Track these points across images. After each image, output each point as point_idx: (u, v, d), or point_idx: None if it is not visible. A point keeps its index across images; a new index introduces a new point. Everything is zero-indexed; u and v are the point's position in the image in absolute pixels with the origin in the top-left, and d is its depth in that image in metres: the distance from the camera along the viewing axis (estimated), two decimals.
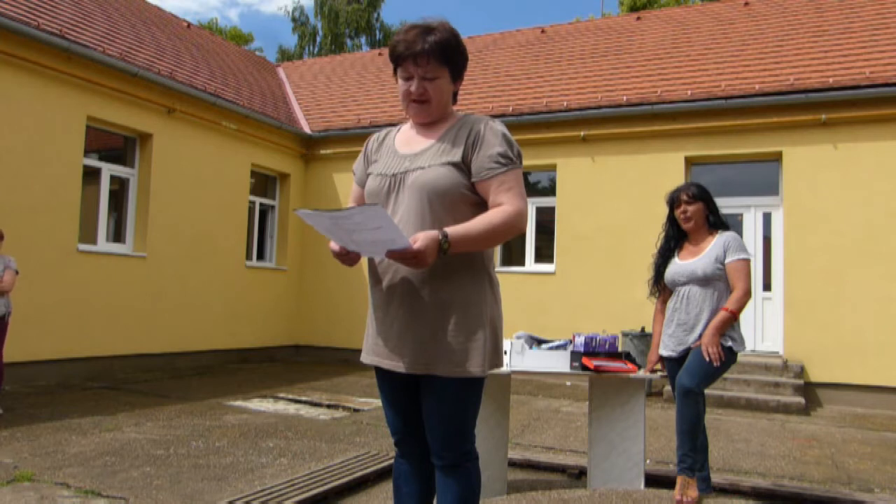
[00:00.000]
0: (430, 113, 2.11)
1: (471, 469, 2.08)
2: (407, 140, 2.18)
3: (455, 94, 2.18)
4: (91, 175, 8.47)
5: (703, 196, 3.75)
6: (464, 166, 2.03)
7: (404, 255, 1.82)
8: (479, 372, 2.01)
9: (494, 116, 9.86)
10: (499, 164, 2.01)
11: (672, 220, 3.90)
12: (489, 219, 1.95)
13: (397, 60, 2.07)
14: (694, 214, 3.73)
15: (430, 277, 1.99)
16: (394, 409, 2.20)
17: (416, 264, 1.85)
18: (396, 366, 2.05)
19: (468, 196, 2.03)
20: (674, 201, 3.84)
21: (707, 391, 3.68)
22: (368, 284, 2.19)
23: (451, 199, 2.00)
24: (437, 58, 2.02)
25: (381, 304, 2.09)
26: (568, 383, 8.93)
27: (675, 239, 3.90)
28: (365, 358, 2.17)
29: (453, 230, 1.89)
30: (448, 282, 2.00)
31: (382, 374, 2.17)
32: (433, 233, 1.86)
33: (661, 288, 3.92)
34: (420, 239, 1.83)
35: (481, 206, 2.04)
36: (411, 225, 1.98)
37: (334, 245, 2.01)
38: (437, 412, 2.04)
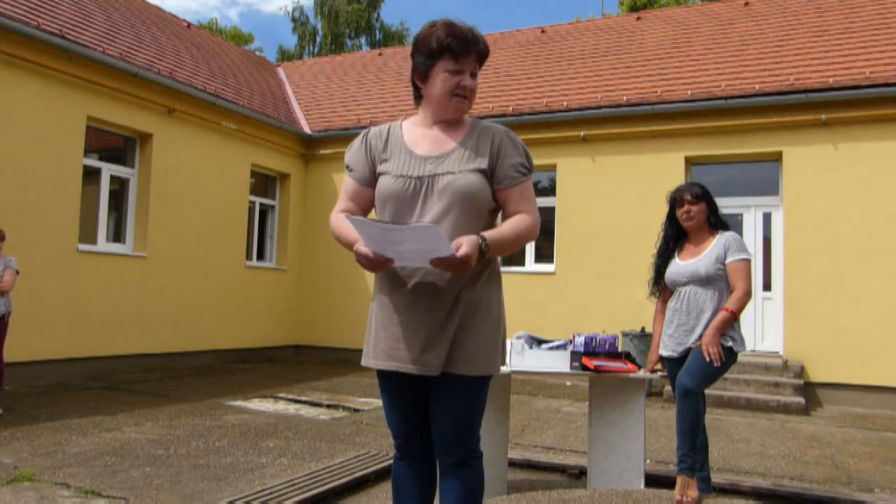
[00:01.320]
0: (468, 109, 2.16)
1: (476, 467, 2.10)
2: (419, 140, 2.14)
3: None
4: (91, 175, 8.47)
5: (705, 196, 3.75)
6: (489, 174, 2.09)
7: (451, 262, 1.85)
8: (495, 370, 2.08)
9: (494, 116, 9.88)
10: (520, 173, 2.10)
11: (672, 220, 3.89)
12: (517, 225, 2.05)
13: (453, 54, 2.06)
14: (696, 214, 3.73)
15: (454, 279, 2.01)
16: (398, 412, 2.17)
17: (460, 269, 1.89)
18: (423, 369, 2.01)
19: (490, 203, 2.09)
20: (675, 201, 3.83)
21: (707, 391, 3.68)
22: (380, 289, 2.13)
23: (477, 205, 2.05)
24: (481, 59, 2.14)
25: (404, 309, 2.04)
26: (568, 383, 8.92)
27: (675, 239, 3.89)
28: (375, 363, 2.10)
29: (490, 235, 1.96)
30: (471, 283, 2.04)
31: (388, 377, 2.13)
32: (474, 238, 1.91)
33: (661, 288, 3.92)
34: (465, 244, 1.87)
35: (496, 212, 2.14)
36: (443, 228, 1.98)
37: (365, 249, 1.93)
38: (452, 411, 2.05)
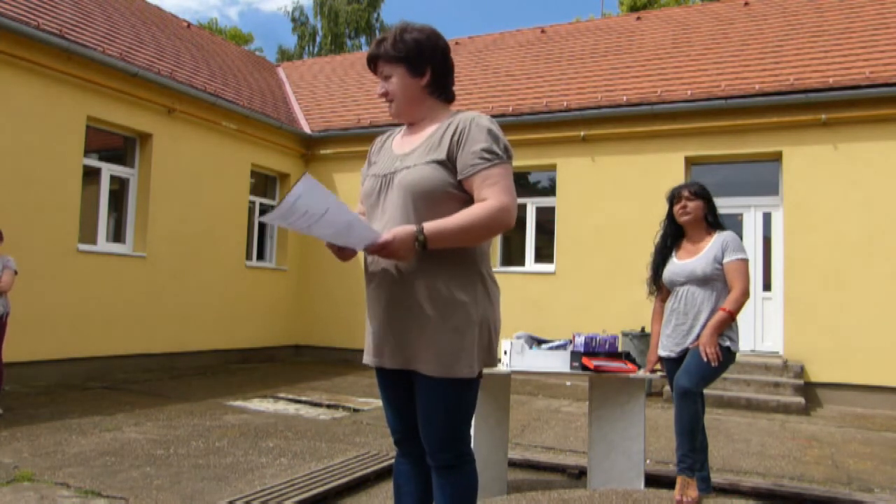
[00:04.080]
0: (399, 111, 2.18)
1: (466, 471, 2.07)
2: (402, 141, 2.22)
3: (444, 91, 2.18)
4: (91, 175, 8.47)
5: (703, 195, 3.76)
6: (449, 164, 2.03)
7: (377, 248, 1.88)
8: (467, 373, 1.99)
9: (494, 116, 9.86)
10: (483, 159, 1.99)
11: (671, 218, 3.90)
12: (469, 213, 1.95)
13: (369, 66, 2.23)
14: (693, 210, 3.73)
15: (419, 277, 2.00)
16: (393, 409, 2.21)
17: (390, 255, 1.90)
18: (388, 363, 2.09)
19: (455, 194, 2.03)
20: (674, 197, 3.84)
21: (707, 391, 3.68)
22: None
23: (436, 198, 2.00)
24: (384, 57, 2.14)
25: (372, 304, 2.12)
26: (568, 383, 8.92)
27: (673, 237, 3.89)
28: (366, 360, 2.19)
29: (430, 224, 1.91)
30: (436, 281, 2.00)
31: (381, 374, 2.19)
32: (408, 226, 1.90)
33: (660, 286, 3.92)
34: (392, 231, 1.89)
35: (471, 203, 2.03)
36: (397, 223, 1.99)
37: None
38: (429, 413, 2.04)
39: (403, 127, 2.30)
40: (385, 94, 2.16)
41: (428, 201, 2.00)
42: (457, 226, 1.92)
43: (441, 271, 2.00)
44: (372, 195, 2.14)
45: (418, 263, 1.98)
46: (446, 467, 2.06)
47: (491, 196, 1.96)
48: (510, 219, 1.98)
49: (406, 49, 2.11)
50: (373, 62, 2.17)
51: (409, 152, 2.13)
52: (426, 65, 2.12)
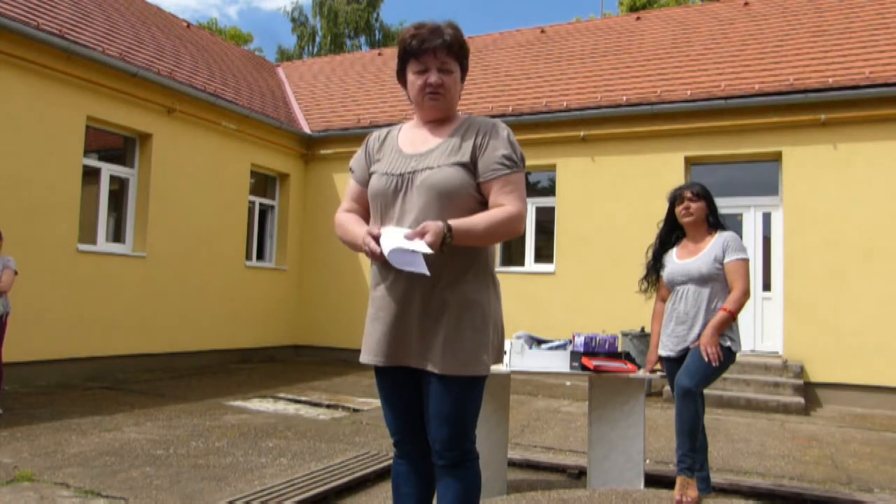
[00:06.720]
0: (444, 107, 2.15)
1: (471, 468, 2.09)
2: (412, 140, 2.20)
3: (459, 95, 2.23)
4: (91, 175, 8.47)
5: (705, 195, 3.78)
6: (472, 167, 2.07)
7: (416, 234, 1.89)
8: (483, 371, 2.04)
9: (494, 116, 9.85)
10: (503, 165, 2.06)
11: (670, 219, 3.90)
12: (490, 216, 2.00)
13: (413, 54, 2.11)
14: (696, 212, 3.74)
15: (437, 278, 2.00)
16: (394, 410, 2.20)
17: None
18: (397, 362, 2.08)
19: (476, 196, 2.07)
20: (676, 198, 3.84)
21: (707, 391, 3.68)
22: (371, 286, 2.19)
23: (460, 199, 2.04)
24: (452, 51, 2.11)
25: (386, 303, 2.09)
26: (568, 383, 8.92)
27: (669, 242, 3.92)
28: (368, 359, 2.15)
29: (456, 223, 1.94)
30: (454, 282, 2.03)
31: (383, 375, 2.18)
32: (439, 223, 1.91)
33: (654, 282, 3.93)
34: (429, 223, 1.90)
35: (486, 206, 2.08)
36: (421, 223, 1.99)
37: (372, 243, 1.98)
38: (441, 411, 2.04)
39: (403, 125, 2.29)
40: (440, 86, 2.11)
41: (452, 202, 2.02)
42: (481, 226, 1.98)
43: (460, 271, 2.04)
44: (386, 194, 2.11)
45: (438, 263, 1.98)
46: (453, 465, 2.06)
47: (508, 202, 2.03)
48: (522, 227, 2.07)
49: (466, 53, 2.18)
50: (442, 49, 2.08)
51: (424, 152, 2.12)
52: (465, 72, 2.22)
